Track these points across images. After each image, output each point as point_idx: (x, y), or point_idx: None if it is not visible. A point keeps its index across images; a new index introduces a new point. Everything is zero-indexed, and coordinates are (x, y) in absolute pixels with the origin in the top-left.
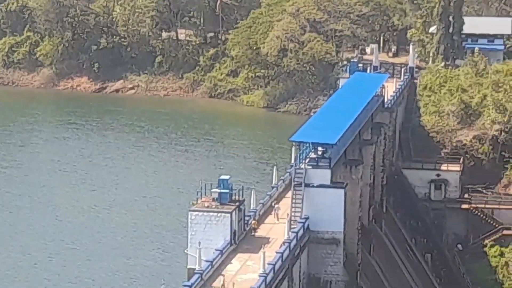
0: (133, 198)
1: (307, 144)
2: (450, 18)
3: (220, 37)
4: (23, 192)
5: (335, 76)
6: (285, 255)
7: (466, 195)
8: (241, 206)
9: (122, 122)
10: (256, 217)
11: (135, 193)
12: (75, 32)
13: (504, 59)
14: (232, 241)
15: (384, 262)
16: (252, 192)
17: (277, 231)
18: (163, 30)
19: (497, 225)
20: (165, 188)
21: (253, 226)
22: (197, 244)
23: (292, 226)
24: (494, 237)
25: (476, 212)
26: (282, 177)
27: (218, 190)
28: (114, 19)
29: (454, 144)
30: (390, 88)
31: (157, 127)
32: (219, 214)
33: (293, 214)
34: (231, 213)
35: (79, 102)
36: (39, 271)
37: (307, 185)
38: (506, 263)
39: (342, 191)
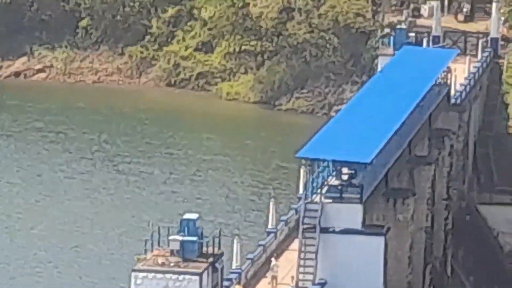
0: (40, 248)
1: (325, 164)
2: None
3: None
4: None
5: (372, 53)
6: None
7: None
8: (217, 264)
9: (25, 124)
10: (242, 282)
11: (45, 240)
12: None
13: None
14: None
15: None
16: (235, 240)
17: None
18: None
19: None
20: (94, 233)
21: None
22: None
23: None
24: None
25: None
26: (283, 217)
27: (180, 238)
28: None
29: None
30: (460, 73)
31: (84, 133)
32: (181, 277)
33: (301, 276)
34: (201, 274)
35: None
36: None
37: (324, 230)
38: None
39: (381, 240)
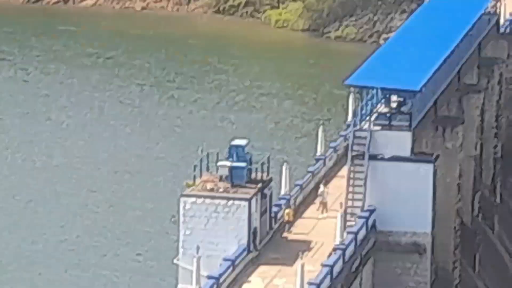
0: (93, 171)
1: (374, 91)
2: None
3: None
4: None
5: None
6: (336, 270)
7: None
8: (265, 190)
9: (75, 50)
10: (291, 208)
11: (95, 164)
12: None
13: None
14: (252, 246)
15: (496, 282)
16: (284, 167)
17: (323, 230)
18: None
19: None
20: (144, 157)
21: (285, 221)
22: (193, 251)
23: (349, 223)
24: None
25: None
26: (332, 144)
27: (228, 164)
28: None
29: None
30: (510, 2)
31: (133, 59)
32: (230, 203)
33: (349, 203)
34: (249, 200)
35: (3, 18)
36: None
37: (373, 158)
38: None
39: (430, 167)
